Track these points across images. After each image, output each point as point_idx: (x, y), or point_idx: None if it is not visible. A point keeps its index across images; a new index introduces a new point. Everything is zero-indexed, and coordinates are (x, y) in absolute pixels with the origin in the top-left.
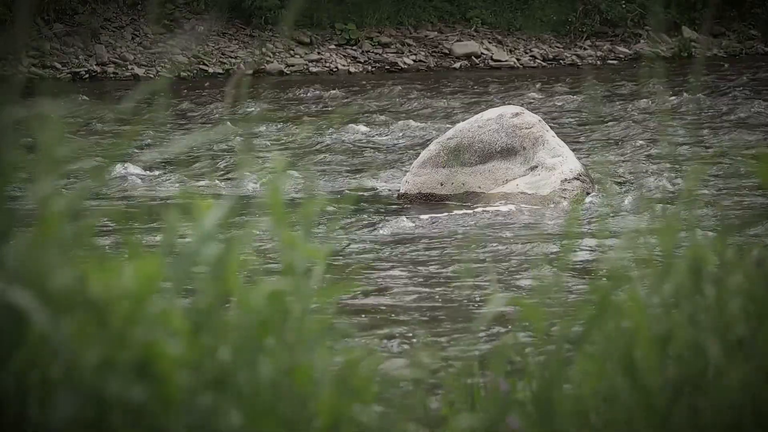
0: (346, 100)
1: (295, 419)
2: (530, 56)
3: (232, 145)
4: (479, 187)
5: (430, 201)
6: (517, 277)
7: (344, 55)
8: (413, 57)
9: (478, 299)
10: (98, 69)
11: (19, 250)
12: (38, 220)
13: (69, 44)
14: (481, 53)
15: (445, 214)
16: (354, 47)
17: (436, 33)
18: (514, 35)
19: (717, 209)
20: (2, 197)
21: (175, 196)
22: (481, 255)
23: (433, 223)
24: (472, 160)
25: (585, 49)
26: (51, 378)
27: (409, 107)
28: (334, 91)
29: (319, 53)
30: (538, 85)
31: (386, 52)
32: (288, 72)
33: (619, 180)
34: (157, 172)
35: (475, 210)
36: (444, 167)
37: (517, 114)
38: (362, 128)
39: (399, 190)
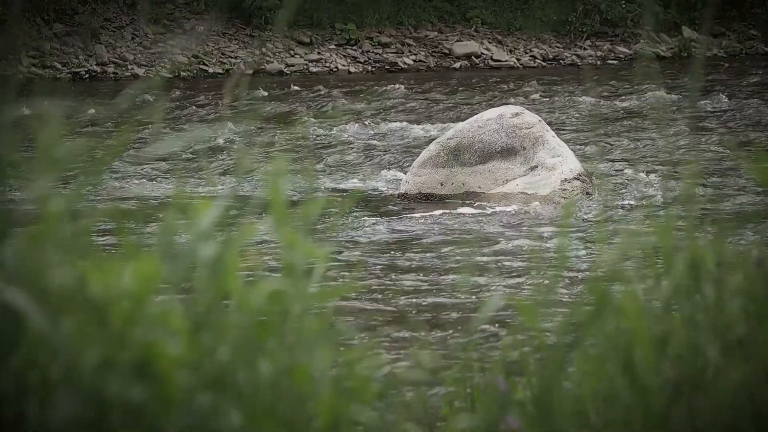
0: (345, 100)
1: (294, 419)
2: (530, 56)
3: (231, 145)
4: (479, 187)
5: (430, 201)
6: (517, 277)
7: (344, 55)
8: (413, 57)
9: (477, 299)
10: (98, 69)
11: (17, 250)
12: (36, 219)
13: (69, 44)
14: (481, 53)
15: (445, 214)
16: (354, 47)
17: (436, 33)
18: (514, 35)
19: (716, 209)
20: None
21: (172, 196)
22: (481, 255)
23: (433, 223)
24: (472, 160)
25: (585, 49)
26: (51, 378)
27: (409, 107)
28: (334, 91)
29: (319, 53)
30: (538, 85)
31: (386, 52)
32: (288, 72)
33: (618, 180)
34: (155, 172)
35: (475, 210)
36: (444, 167)
37: (517, 114)
38: (362, 128)
39: (399, 190)
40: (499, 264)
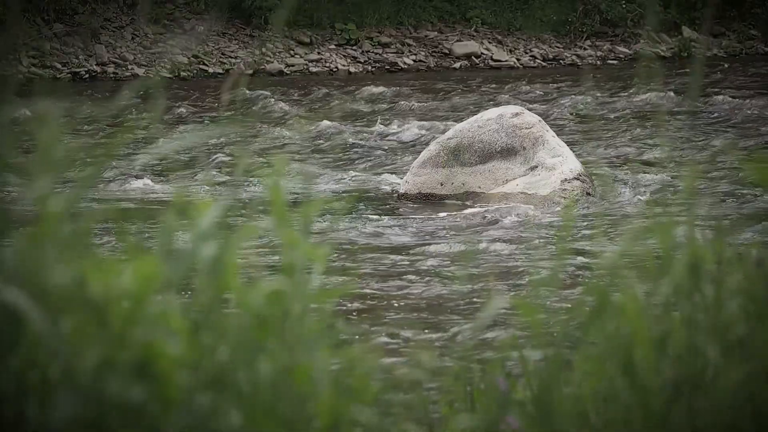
0: (345, 100)
1: (294, 419)
2: (530, 56)
3: (230, 145)
4: (479, 187)
5: (430, 201)
6: (517, 276)
7: (344, 55)
8: (413, 57)
9: (477, 299)
10: (98, 69)
11: (17, 250)
12: (36, 219)
13: (69, 44)
14: (481, 53)
15: (445, 214)
16: (354, 47)
17: (436, 33)
18: (514, 35)
19: (716, 209)
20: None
21: (172, 196)
22: (481, 255)
23: (433, 223)
24: (472, 160)
25: (585, 49)
26: (50, 378)
27: (409, 107)
28: (333, 91)
29: (319, 53)
30: (538, 86)
31: (386, 52)
32: (288, 72)
33: (618, 180)
34: (154, 172)
35: (475, 210)
36: (444, 167)
37: (517, 114)
38: (362, 128)
39: (399, 190)
40: (499, 264)
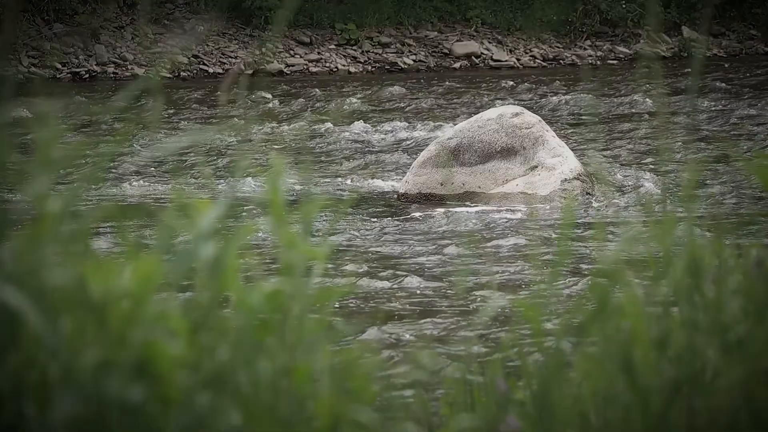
0: (345, 100)
1: (294, 419)
2: (530, 56)
3: (230, 145)
4: (479, 187)
5: (430, 201)
6: (517, 276)
7: (344, 55)
8: (413, 57)
9: (477, 299)
10: (98, 69)
11: (15, 250)
12: (35, 219)
13: (69, 44)
14: (481, 53)
15: (445, 214)
16: (354, 47)
17: (436, 33)
18: (514, 35)
19: (716, 209)
20: None
21: (172, 196)
22: (481, 255)
23: (433, 223)
24: (472, 160)
25: (585, 49)
26: (49, 378)
27: (409, 107)
28: (333, 91)
29: (319, 53)
30: (538, 85)
31: (386, 52)
32: (288, 72)
33: (618, 180)
34: (153, 172)
35: (475, 210)
36: (444, 167)
37: (517, 114)
38: (362, 128)
39: (399, 190)
40: (498, 264)
